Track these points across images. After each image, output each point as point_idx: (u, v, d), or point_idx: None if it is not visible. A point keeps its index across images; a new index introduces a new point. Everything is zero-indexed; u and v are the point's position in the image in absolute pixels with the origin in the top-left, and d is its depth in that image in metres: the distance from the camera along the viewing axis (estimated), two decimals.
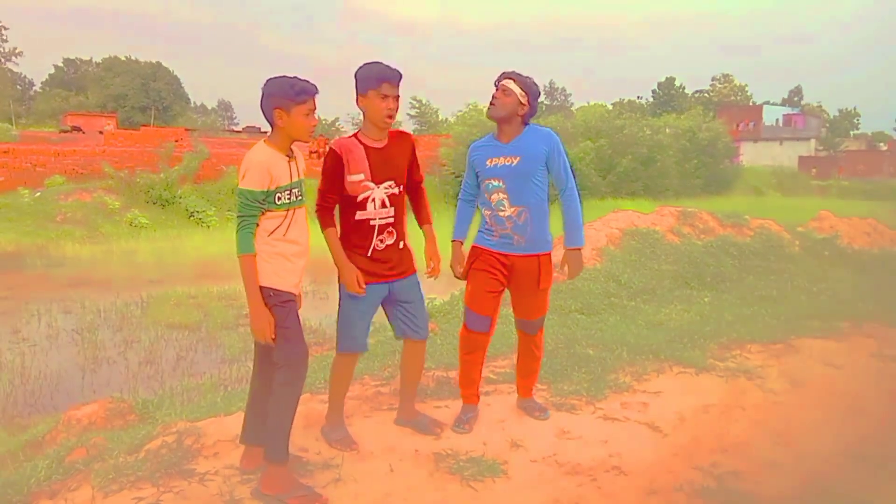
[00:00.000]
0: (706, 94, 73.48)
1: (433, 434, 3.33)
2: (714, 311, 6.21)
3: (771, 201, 24.90)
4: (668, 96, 68.49)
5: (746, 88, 76.07)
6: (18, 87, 66.74)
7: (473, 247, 3.44)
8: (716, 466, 3.19)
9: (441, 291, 7.09)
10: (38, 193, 17.79)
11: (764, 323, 5.73)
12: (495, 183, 3.31)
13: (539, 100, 3.39)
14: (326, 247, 3.09)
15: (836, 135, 66.66)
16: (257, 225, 2.68)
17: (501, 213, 3.30)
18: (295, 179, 2.75)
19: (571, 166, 3.42)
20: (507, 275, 3.35)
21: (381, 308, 3.29)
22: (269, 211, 2.69)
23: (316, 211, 3.10)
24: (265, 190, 2.65)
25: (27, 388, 5.44)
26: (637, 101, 72.56)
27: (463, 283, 3.52)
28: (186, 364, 6.15)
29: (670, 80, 70.34)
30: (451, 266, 3.50)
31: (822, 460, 3.32)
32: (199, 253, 13.12)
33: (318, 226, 3.09)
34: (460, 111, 31.84)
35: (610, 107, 46.00)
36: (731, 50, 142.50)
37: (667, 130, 28.81)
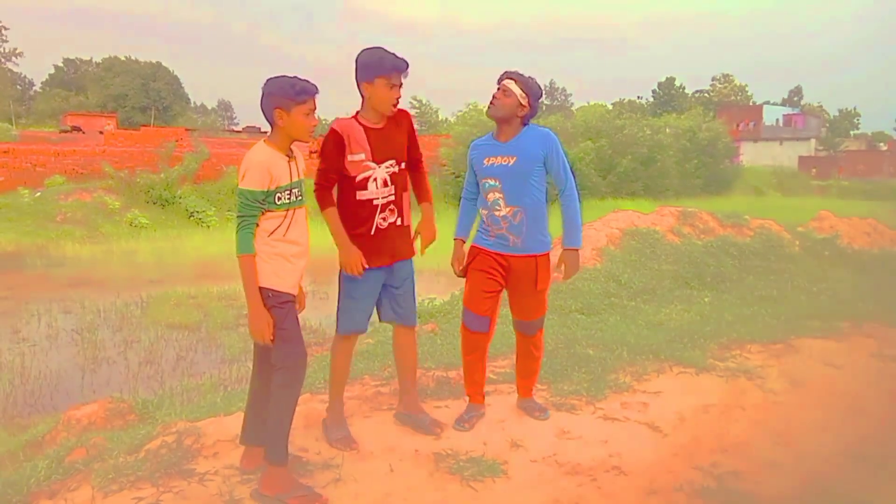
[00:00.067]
0: (706, 94, 73.52)
1: (433, 434, 3.32)
2: (714, 311, 6.21)
3: (771, 201, 24.91)
4: (668, 96, 68.53)
5: (746, 88, 76.18)
6: (18, 87, 66.73)
7: (472, 246, 3.45)
8: (716, 466, 3.19)
9: (441, 291, 7.09)
10: (38, 193, 17.79)
11: (764, 323, 5.73)
12: (491, 182, 3.31)
13: (540, 100, 3.39)
14: (326, 246, 3.09)
15: (836, 135, 66.69)
16: (257, 225, 2.68)
17: (497, 213, 3.31)
18: (295, 179, 2.75)
19: (571, 166, 3.42)
20: (505, 275, 3.36)
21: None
22: (268, 211, 2.68)
23: (315, 191, 3.08)
24: (265, 190, 2.64)
25: (27, 388, 5.44)
26: (637, 101, 72.63)
27: (463, 283, 3.52)
28: (186, 364, 6.15)
29: (670, 80, 70.39)
30: (451, 264, 3.52)
31: (822, 460, 3.32)
32: (199, 253, 13.12)
33: (318, 206, 3.08)
34: (460, 111, 31.91)
35: (610, 107, 46.03)
36: (731, 50, 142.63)
37: (667, 130, 28.80)
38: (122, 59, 61.60)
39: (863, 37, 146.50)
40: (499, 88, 3.30)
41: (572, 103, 75.44)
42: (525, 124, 3.35)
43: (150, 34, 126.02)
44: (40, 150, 20.82)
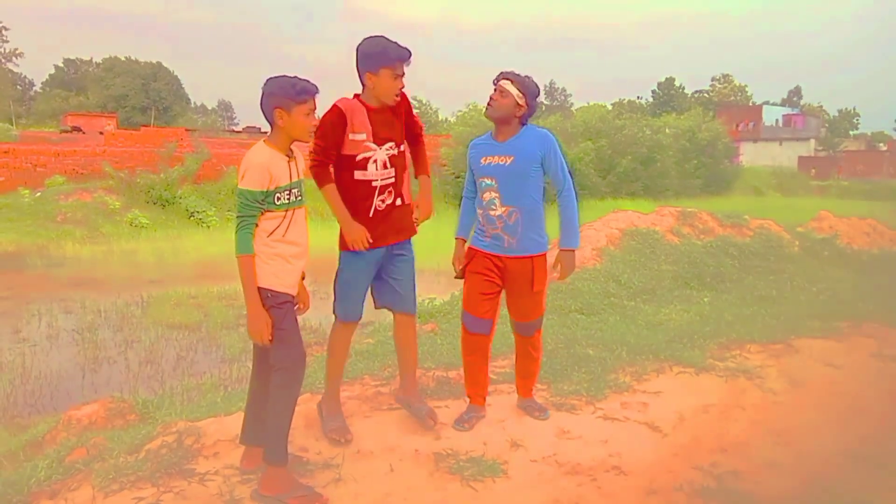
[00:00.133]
0: (706, 95, 73.54)
1: (426, 424, 3.34)
2: (714, 312, 6.21)
3: (770, 201, 24.91)
4: (667, 96, 68.55)
5: (746, 88, 76.21)
6: (19, 87, 66.69)
7: (469, 248, 3.46)
8: (715, 466, 3.20)
9: (441, 291, 7.09)
10: (39, 193, 17.77)
11: (763, 323, 5.73)
12: (488, 181, 3.32)
13: (538, 99, 3.39)
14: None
15: (835, 135, 66.64)
16: (256, 225, 2.67)
17: (492, 213, 3.31)
18: (294, 180, 2.75)
19: (571, 167, 3.43)
20: (501, 276, 3.36)
21: (379, 310, 3.30)
22: (268, 211, 2.68)
23: (311, 167, 3.06)
24: (264, 190, 2.64)
25: (27, 388, 5.44)
26: (637, 101, 72.65)
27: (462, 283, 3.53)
28: (186, 364, 6.14)
29: (670, 81, 70.40)
30: (452, 263, 3.54)
31: (821, 460, 3.32)
32: (199, 253, 13.11)
33: (315, 183, 3.07)
34: (460, 111, 31.87)
35: (610, 107, 45.98)
36: (731, 50, 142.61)
37: (666, 131, 28.80)
38: (123, 59, 61.56)
39: (863, 37, 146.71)
40: (495, 89, 3.31)
41: (572, 104, 75.52)
42: (523, 124, 3.35)
43: (150, 34, 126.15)
44: (41, 151, 20.80)
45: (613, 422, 3.61)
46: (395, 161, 3.18)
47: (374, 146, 3.09)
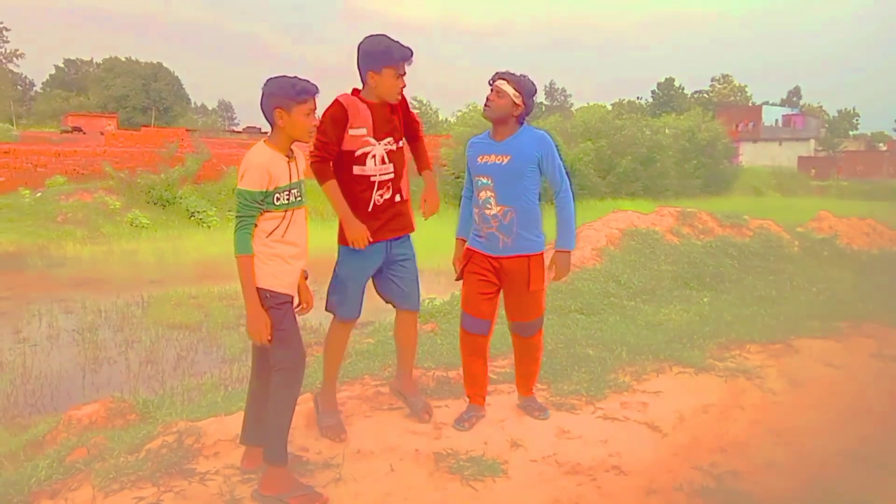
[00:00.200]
0: (705, 95, 73.54)
1: (421, 419, 3.38)
2: (713, 312, 6.21)
3: (770, 201, 24.90)
4: (667, 97, 68.54)
5: (746, 89, 76.21)
6: (19, 87, 66.69)
7: (466, 248, 3.47)
8: (715, 466, 3.20)
9: (441, 291, 7.10)
10: (39, 194, 17.77)
11: (763, 323, 5.73)
12: (484, 180, 3.32)
13: (535, 97, 3.39)
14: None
15: (835, 135, 66.64)
16: (255, 226, 2.68)
17: (487, 212, 3.32)
18: (294, 180, 2.75)
19: (570, 167, 3.43)
20: (498, 276, 3.36)
21: (380, 309, 3.31)
22: (267, 211, 2.68)
23: (313, 163, 3.08)
24: (264, 190, 2.64)
25: (28, 388, 5.44)
26: (637, 101, 72.65)
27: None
28: (187, 364, 6.15)
29: (670, 81, 70.40)
30: (453, 263, 3.56)
31: (821, 460, 3.32)
32: (199, 253, 13.11)
33: (316, 180, 3.08)
34: (460, 111, 31.90)
35: (609, 107, 46.03)
36: (731, 50, 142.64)
37: (666, 131, 28.80)
38: (123, 59, 61.56)
39: (862, 37, 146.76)
40: (492, 90, 3.31)
41: (572, 104, 75.52)
42: (521, 123, 3.35)
43: (151, 34, 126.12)
44: (41, 151, 20.80)
45: (613, 422, 3.61)
46: (394, 156, 3.19)
47: (373, 141, 3.11)
